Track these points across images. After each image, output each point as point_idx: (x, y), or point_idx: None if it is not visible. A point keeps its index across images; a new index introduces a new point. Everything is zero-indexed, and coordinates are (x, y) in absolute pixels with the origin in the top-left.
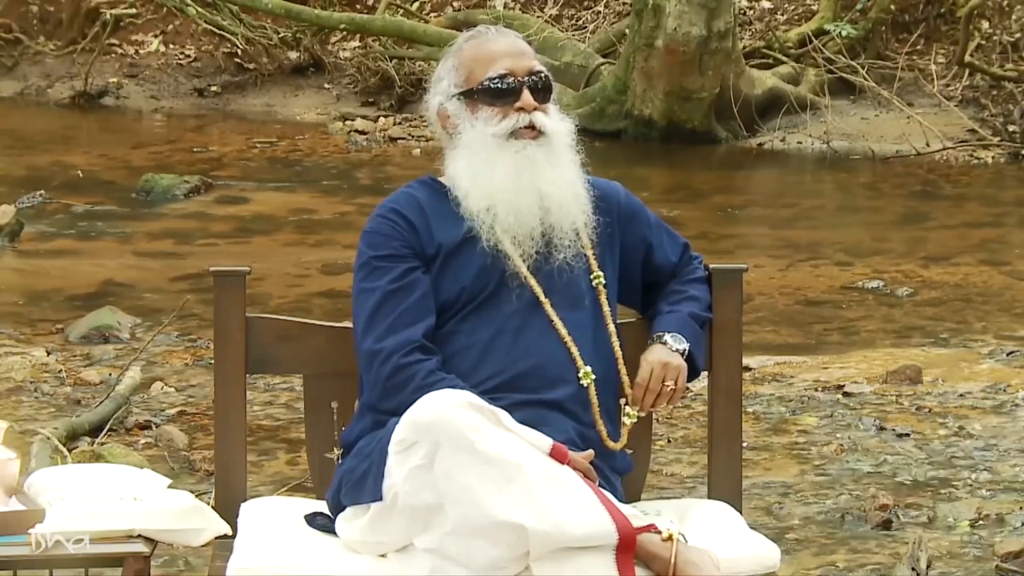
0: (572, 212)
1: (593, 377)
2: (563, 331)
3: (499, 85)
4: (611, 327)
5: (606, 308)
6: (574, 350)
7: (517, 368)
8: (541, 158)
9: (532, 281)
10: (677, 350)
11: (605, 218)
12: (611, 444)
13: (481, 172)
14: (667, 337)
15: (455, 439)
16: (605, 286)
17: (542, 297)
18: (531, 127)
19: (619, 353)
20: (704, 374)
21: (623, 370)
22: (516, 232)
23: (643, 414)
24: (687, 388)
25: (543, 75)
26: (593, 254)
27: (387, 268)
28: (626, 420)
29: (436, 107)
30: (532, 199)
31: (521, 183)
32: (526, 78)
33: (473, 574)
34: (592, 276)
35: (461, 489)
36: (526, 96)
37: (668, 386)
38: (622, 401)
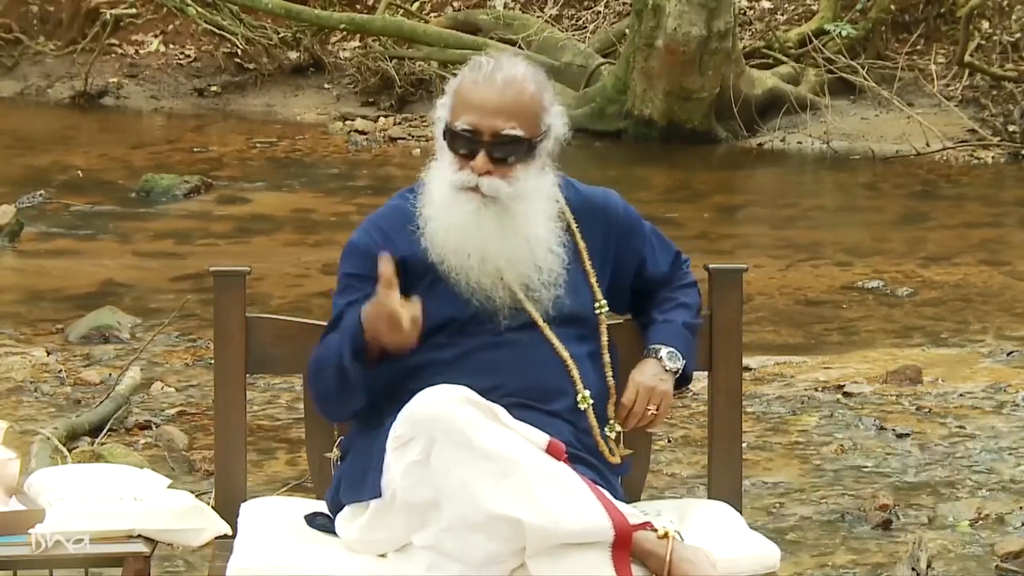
0: (529, 268)
1: (591, 402)
2: (562, 350)
3: (460, 134)
4: (606, 357)
5: (604, 338)
6: (574, 371)
7: (515, 381)
8: (486, 218)
9: (529, 306)
10: (671, 370)
11: (603, 235)
12: (612, 459)
13: (435, 217)
14: (663, 353)
15: (452, 434)
16: (607, 314)
17: (540, 321)
18: (476, 188)
19: (611, 382)
20: (704, 374)
21: (612, 397)
22: (474, 288)
23: (625, 429)
24: (688, 390)
25: (513, 138)
26: (596, 282)
27: (353, 288)
28: (609, 432)
29: (436, 123)
30: (477, 259)
31: (466, 242)
32: (488, 139)
33: (470, 570)
34: (596, 304)
35: (458, 484)
36: (479, 159)
37: (650, 411)
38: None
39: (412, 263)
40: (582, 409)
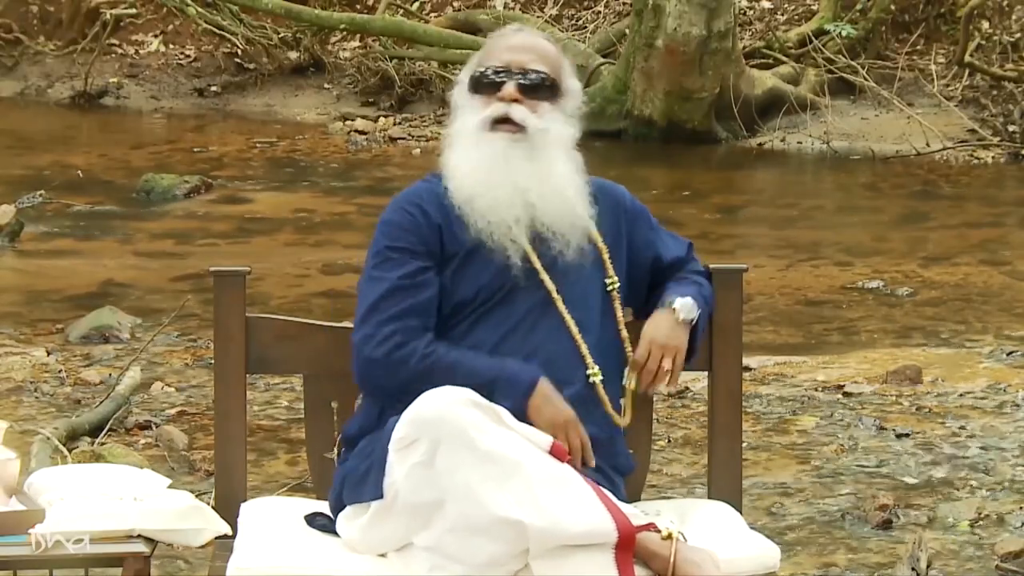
0: (562, 207)
1: (601, 377)
2: (574, 329)
3: (489, 75)
4: (624, 332)
5: (619, 313)
6: (583, 348)
7: None
8: (516, 154)
9: (545, 276)
10: (684, 320)
11: (612, 219)
12: (619, 421)
13: (460, 163)
14: (677, 303)
15: (456, 436)
16: (619, 291)
17: (554, 294)
18: (507, 119)
19: (630, 354)
20: (704, 374)
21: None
22: (498, 226)
23: (641, 390)
24: (688, 389)
25: (541, 74)
26: (607, 257)
27: (401, 261)
28: (626, 384)
29: (454, 96)
30: (507, 192)
31: (493, 177)
32: (517, 72)
33: (472, 572)
34: (608, 280)
35: (461, 486)
36: (508, 86)
37: (665, 367)
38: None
39: (446, 237)
40: (592, 383)
